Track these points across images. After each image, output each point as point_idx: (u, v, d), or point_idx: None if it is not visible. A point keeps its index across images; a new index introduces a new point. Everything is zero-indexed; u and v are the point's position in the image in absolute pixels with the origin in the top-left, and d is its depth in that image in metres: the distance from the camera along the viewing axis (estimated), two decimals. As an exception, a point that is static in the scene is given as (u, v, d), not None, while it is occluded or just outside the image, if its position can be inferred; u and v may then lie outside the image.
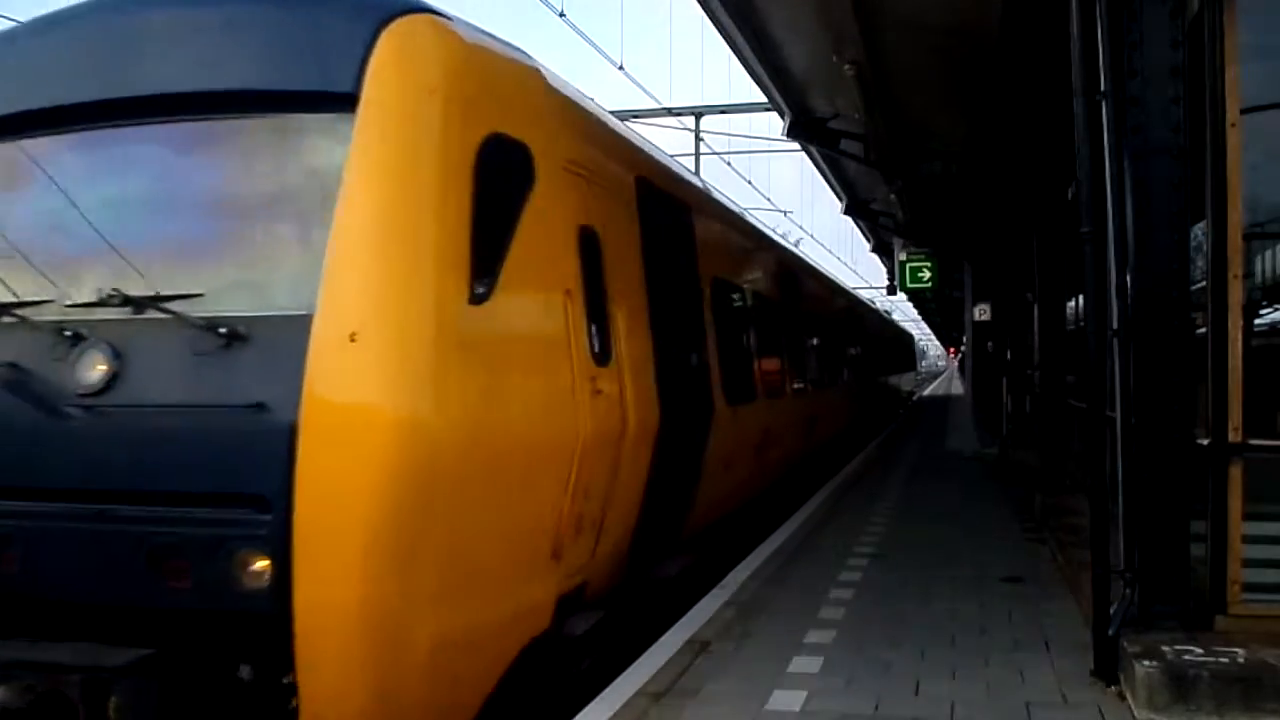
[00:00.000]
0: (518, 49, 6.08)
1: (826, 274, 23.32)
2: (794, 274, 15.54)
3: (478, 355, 5.10)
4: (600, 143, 7.22)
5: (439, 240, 4.93)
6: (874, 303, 43.15)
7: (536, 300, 5.82)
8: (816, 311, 17.41)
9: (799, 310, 15.19)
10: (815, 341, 16.78)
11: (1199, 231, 6.13)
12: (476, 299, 5.09)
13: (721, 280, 10.16)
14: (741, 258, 11.87)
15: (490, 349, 5.23)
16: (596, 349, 6.34)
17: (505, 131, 5.52)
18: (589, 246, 6.44)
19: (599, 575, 6.64)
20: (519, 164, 5.67)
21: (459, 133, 5.14)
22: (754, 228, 14.25)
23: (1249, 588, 5.83)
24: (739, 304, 11.27)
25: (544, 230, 5.84)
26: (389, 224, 4.82)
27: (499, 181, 5.40)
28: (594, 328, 6.35)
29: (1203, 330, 6.10)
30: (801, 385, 14.68)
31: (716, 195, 11.92)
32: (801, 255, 20.32)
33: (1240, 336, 5.84)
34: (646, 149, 8.86)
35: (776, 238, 17.49)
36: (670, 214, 8.72)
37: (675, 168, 9.86)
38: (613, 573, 6.96)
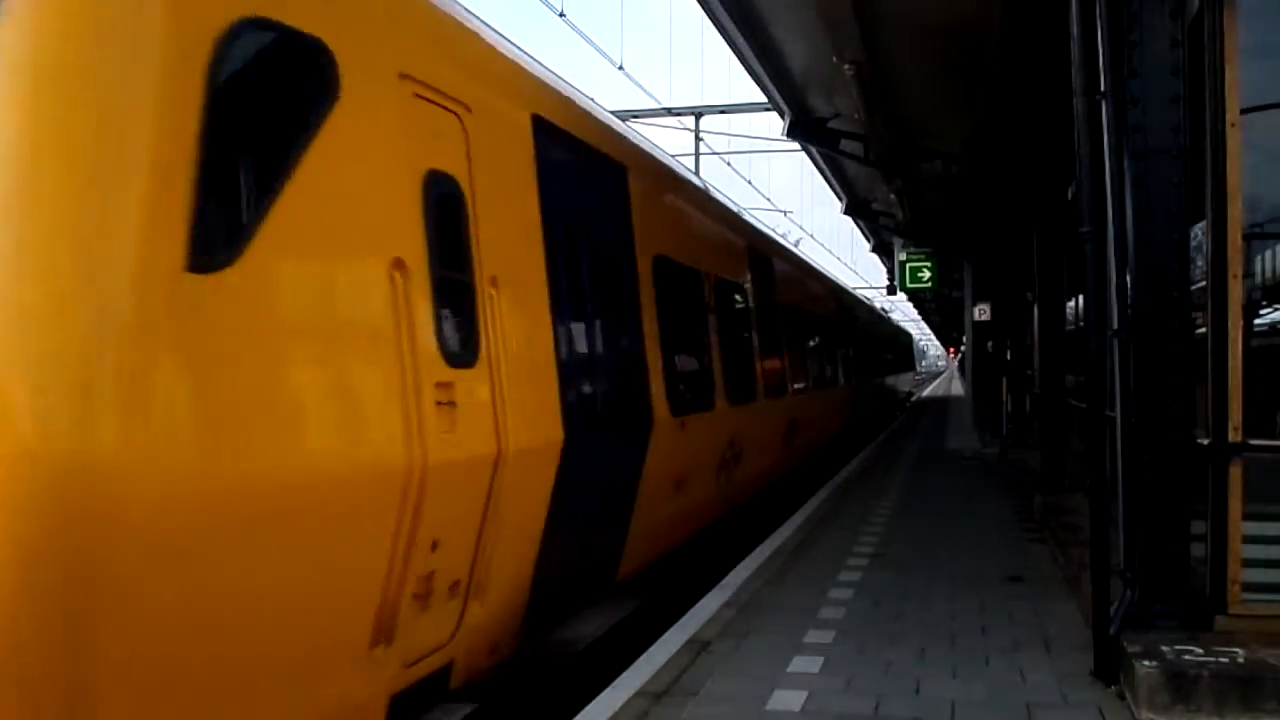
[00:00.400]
0: None
1: (811, 262, 21.55)
2: (768, 260, 13.71)
3: (202, 350, 3.46)
4: (471, 63, 5.48)
5: (128, 172, 3.30)
6: (871, 301, 43.09)
7: (329, 271, 4.12)
8: (797, 305, 15.68)
9: (775, 302, 13.58)
10: (796, 338, 15.27)
11: (1199, 231, 6.13)
12: (202, 264, 3.46)
13: (667, 261, 8.40)
14: (700, 235, 9.99)
15: (230, 341, 3.57)
16: (452, 344, 4.79)
17: (276, 18, 3.92)
18: (443, 201, 4.86)
19: (475, 650, 5.23)
20: (306, 69, 4.10)
21: (175, 8, 3.55)
22: (718, 202, 12.15)
23: (1249, 588, 5.83)
24: (694, 291, 9.43)
25: (353, 170, 4.24)
26: (38, 147, 3.18)
27: (261, 90, 3.90)
28: (447, 315, 4.78)
29: (1203, 330, 6.10)
30: (778, 388, 13.17)
31: (663, 159, 9.79)
32: (781, 240, 18.46)
33: (1240, 336, 5.85)
34: (556, 85, 6.84)
35: (749, 217, 15.42)
36: (591, 171, 7.04)
37: (604, 117, 7.96)
38: (497, 644, 5.55)
